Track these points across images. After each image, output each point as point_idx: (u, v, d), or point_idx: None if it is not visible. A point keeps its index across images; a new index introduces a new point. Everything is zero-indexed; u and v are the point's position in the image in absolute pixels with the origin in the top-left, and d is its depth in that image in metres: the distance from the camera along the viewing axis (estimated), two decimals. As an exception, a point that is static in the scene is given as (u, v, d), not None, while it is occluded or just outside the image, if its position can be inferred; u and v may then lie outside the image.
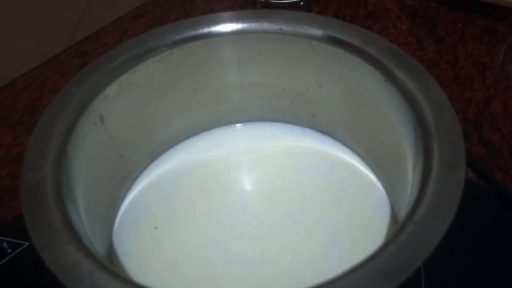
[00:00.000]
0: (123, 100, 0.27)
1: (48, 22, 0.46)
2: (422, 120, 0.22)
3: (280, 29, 0.27)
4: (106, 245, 0.27)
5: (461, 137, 0.21)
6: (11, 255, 0.30)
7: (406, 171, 0.23)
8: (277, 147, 0.32)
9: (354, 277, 0.17)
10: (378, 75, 0.25)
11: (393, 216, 0.27)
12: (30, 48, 0.46)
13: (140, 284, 0.18)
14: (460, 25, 0.49)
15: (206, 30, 0.27)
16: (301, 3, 0.52)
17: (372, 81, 0.25)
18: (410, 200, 0.20)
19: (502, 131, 0.39)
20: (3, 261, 0.29)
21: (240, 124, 0.33)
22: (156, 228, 0.27)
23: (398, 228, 0.19)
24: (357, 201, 0.28)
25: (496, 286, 0.27)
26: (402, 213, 0.22)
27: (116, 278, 0.18)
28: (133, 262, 0.26)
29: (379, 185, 0.29)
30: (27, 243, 0.30)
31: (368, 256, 0.18)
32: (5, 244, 0.30)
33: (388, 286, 0.17)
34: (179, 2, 0.53)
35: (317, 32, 0.26)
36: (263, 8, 0.52)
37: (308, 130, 0.32)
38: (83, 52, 0.48)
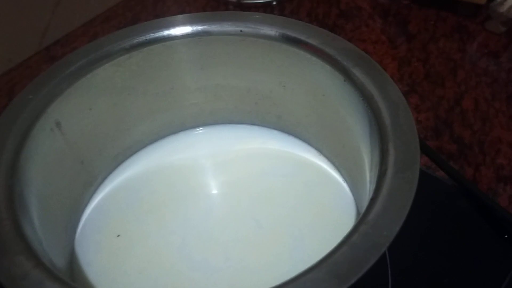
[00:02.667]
0: (81, 105, 0.26)
1: (15, 27, 0.45)
2: (379, 120, 0.22)
3: (241, 30, 0.27)
4: (68, 254, 0.26)
5: (416, 138, 0.20)
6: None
7: (365, 171, 0.23)
8: (243, 149, 0.31)
9: (304, 279, 0.17)
10: (338, 75, 0.24)
11: (359, 216, 0.27)
12: (-2, 54, 0.45)
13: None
14: (431, 23, 0.49)
15: (165, 32, 0.27)
16: (274, 2, 0.51)
17: (332, 81, 0.25)
18: (368, 200, 0.20)
19: (472, 128, 0.39)
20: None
21: (205, 127, 0.33)
22: (119, 236, 0.27)
23: (351, 229, 0.18)
24: (323, 202, 0.28)
25: (460, 283, 0.27)
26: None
27: (66, 288, 0.18)
28: (95, 271, 0.26)
29: (344, 185, 0.29)
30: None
31: (321, 258, 0.18)
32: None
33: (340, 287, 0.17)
34: (150, 4, 0.53)
35: (277, 33, 0.26)
36: (235, 9, 0.51)
37: (274, 132, 0.32)
38: (52, 56, 0.47)
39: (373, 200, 0.19)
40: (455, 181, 0.32)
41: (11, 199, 0.21)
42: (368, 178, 0.22)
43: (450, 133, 0.39)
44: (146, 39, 0.27)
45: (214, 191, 0.29)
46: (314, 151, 0.30)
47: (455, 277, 0.27)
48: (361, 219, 0.19)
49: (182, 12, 0.51)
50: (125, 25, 0.50)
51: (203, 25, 0.27)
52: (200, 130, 0.32)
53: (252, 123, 0.32)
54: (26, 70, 0.46)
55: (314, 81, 0.27)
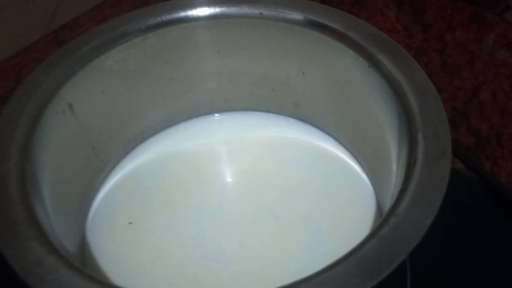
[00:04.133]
0: (94, 87, 0.25)
1: (23, 10, 0.44)
2: (406, 108, 0.21)
3: (260, 13, 0.26)
4: (79, 240, 0.26)
5: (447, 126, 0.20)
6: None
7: (390, 161, 0.23)
8: (259, 137, 0.30)
9: (333, 273, 0.16)
10: (362, 61, 0.23)
11: (379, 209, 0.26)
12: (5, 37, 0.44)
13: (105, 282, 0.17)
14: (448, 12, 0.48)
15: (182, 14, 0.26)
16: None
17: (356, 68, 0.24)
18: (394, 192, 0.19)
19: (490, 120, 0.38)
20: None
21: (220, 114, 0.32)
22: (131, 223, 0.26)
23: (381, 221, 0.18)
24: (341, 193, 0.27)
25: (482, 279, 0.26)
26: (387, 205, 0.21)
27: (81, 276, 0.17)
28: (107, 259, 0.25)
29: (364, 176, 0.28)
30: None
31: (349, 251, 0.17)
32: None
33: (370, 282, 0.16)
34: (161, -12, 0.51)
35: (299, 16, 0.25)
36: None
37: (291, 120, 0.31)
38: (60, 40, 0.46)
39: (402, 192, 0.18)
40: (475, 173, 0.31)
41: (24, 183, 0.20)
42: (394, 169, 0.22)
43: (467, 125, 0.38)
44: (162, 20, 0.26)
45: (229, 179, 0.29)
46: (332, 141, 0.29)
47: (476, 272, 0.27)
48: (390, 211, 0.18)
49: (193, -4, 0.50)
50: (134, 9, 0.49)
51: (222, 7, 0.26)
52: (214, 116, 0.32)
53: (268, 110, 0.31)
54: (34, 54, 0.45)
55: (336, 67, 0.26)
